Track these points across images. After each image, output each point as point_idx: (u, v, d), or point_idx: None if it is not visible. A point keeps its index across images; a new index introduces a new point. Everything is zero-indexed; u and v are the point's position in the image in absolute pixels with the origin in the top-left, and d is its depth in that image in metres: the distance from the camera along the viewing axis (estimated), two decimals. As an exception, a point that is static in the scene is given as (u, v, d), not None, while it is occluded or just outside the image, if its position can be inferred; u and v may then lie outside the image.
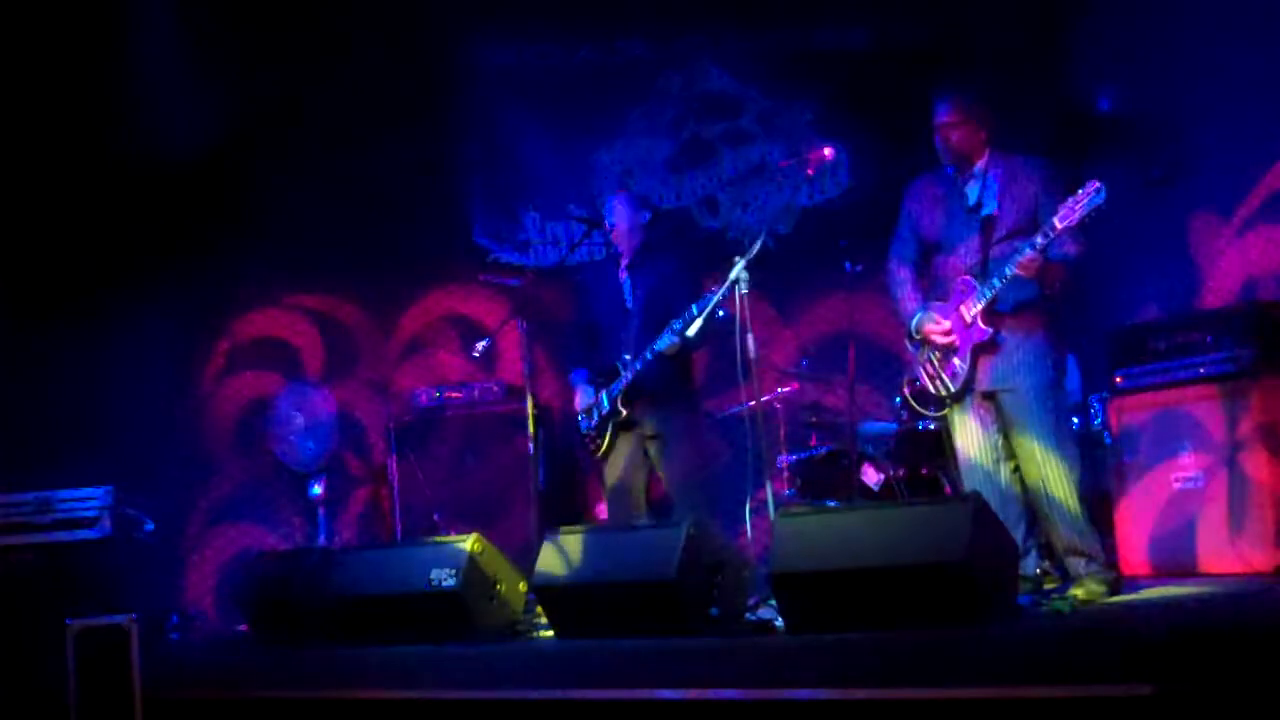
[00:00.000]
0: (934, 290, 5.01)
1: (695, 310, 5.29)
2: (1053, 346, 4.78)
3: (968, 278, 4.82)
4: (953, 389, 4.89)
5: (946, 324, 4.87)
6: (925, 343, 4.97)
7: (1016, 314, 4.77)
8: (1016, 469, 4.85)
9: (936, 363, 4.93)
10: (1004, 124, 5.00)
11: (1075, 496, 4.70)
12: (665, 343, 5.47)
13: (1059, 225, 4.51)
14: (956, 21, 7.63)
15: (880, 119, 7.61)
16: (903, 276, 5.08)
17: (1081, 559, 4.70)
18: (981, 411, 4.86)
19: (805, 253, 7.50)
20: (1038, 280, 4.66)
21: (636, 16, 7.99)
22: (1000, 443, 4.86)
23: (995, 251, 4.78)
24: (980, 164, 4.91)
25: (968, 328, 4.81)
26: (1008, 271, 4.65)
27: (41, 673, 4.64)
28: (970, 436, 4.90)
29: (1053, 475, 4.70)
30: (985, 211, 4.84)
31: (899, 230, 5.12)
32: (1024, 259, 4.60)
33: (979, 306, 4.76)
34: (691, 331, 5.27)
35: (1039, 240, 4.56)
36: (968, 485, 4.92)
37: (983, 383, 4.83)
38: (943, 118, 4.93)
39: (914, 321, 4.98)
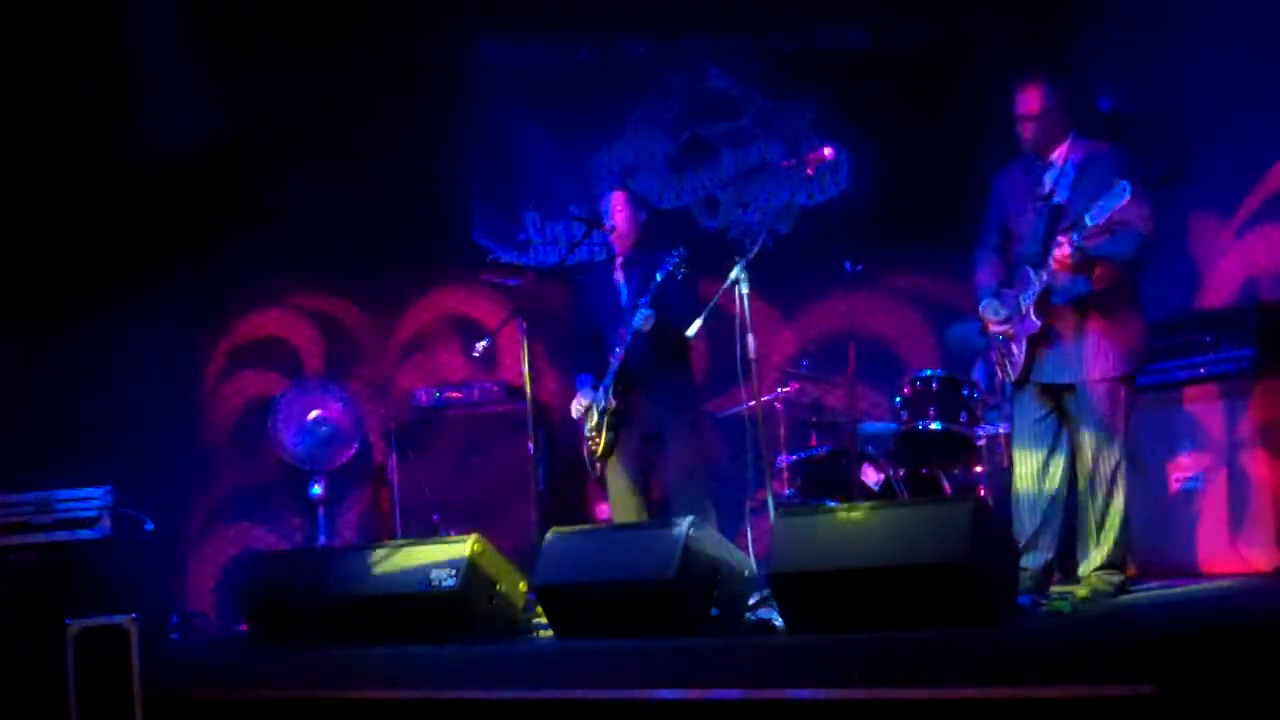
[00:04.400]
0: (1008, 278, 5.00)
1: (658, 278, 5.46)
2: (1110, 342, 4.70)
3: (1027, 268, 4.81)
4: (1014, 376, 4.91)
5: (1004, 312, 4.88)
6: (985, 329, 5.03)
7: (1070, 307, 4.74)
8: (1068, 461, 4.85)
9: (1001, 349, 4.96)
10: (1086, 111, 4.97)
11: (1121, 497, 4.70)
12: (639, 319, 5.50)
13: (1088, 223, 4.47)
14: (957, 21, 7.63)
15: (880, 119, 7.62)
16: (979, 263, 5.09)
17: (1097, 556, 4.70)
18: (1038, 401, 4.87)
19: (805, 253, 7.50)
20: (1083, 274, 4.63)
21: (636, 16, 7.99)
22: (1054, 433, 4.85)
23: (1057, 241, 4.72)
24: (1060, 152, 4.86)
25: (1023, 319, 4.81)
26: (1051, 264, 4.65)
27: (41, 673, 4.63)
28: (1024, 422, 4.92)
29: (1101, 473, 4.70)
30: (1055, 200, 4.79)
31: (986, 215, 5.11)
32: (1057, 252, 4.57)
33: (1032, 297, 4.76)
34: (645, 327, 5.28)
35: (1074, 235, 4.54)
36: (1015, 471, 4.95)
37: (1039, 374, 4.83)
38: (1022, 109, 4.88)
39: (980, 307, 5.01)
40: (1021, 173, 4.99)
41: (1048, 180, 4.86)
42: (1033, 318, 4.77)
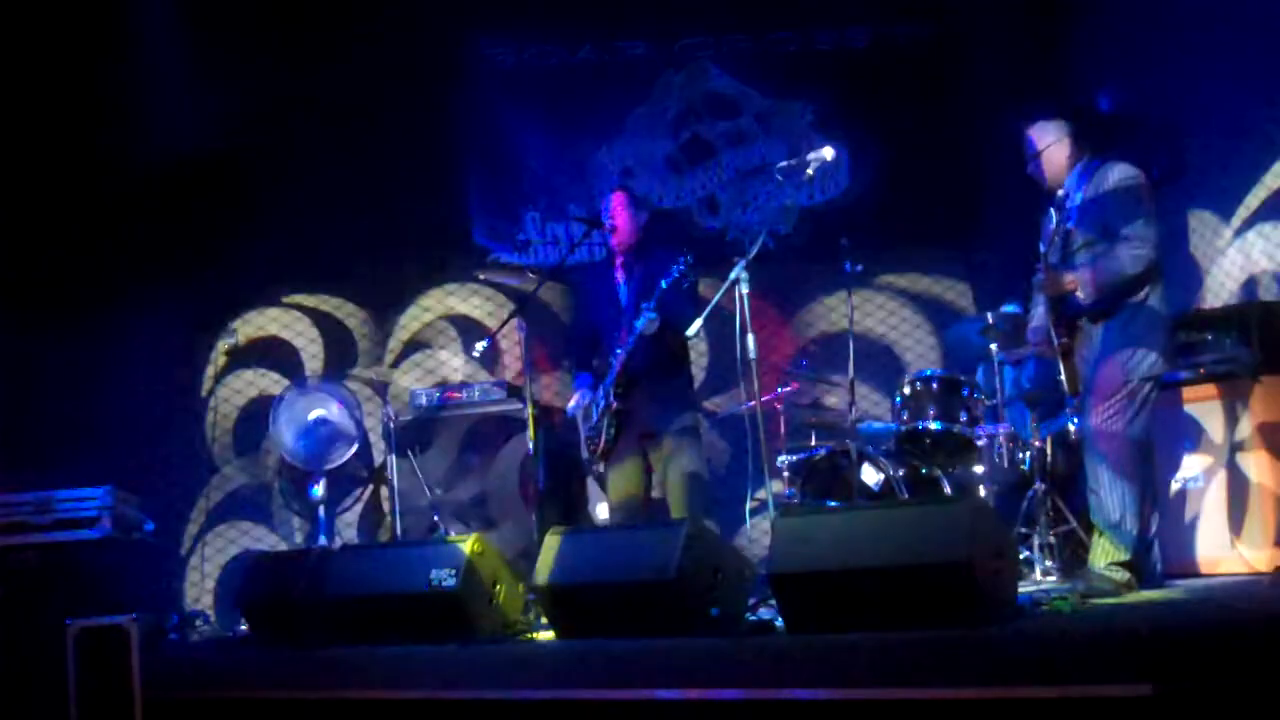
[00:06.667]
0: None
1: (664, 285, 5.44)
2: (1111, 351, 4.79)
3: (1043, 294, 4.98)
4: (1064, 391, 5.02)
5: (1041, 335, 5.05)
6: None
7: (1079, 323, 4.90)
8: None
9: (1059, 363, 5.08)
10: (1094, 130, 5.10)
11: (1116, 493, 4.72)
12: (643, 321, 5.49)
13: (1042, 249, 4.73)
14: (956, 21, 7.64)
15: (880, 119, 7.62)
16: (1035, 291, 5.21)
17: (1100, 551, 4.72)
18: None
19: (805, 253, 7.50)
20: (1066, 294, 4.81)
21: (637, 16, 8.00)
22: None
23: (1068, 266, 4.87)
24: (1070, 178, 4.98)
25: (1053, 342, 4.96)
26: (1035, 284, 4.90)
27: (41, 673, 4.64)
28: (1083, 430, 5.00)
29: (1094, 470, 4.78)
30: (1068, 225, 4.89)
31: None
32: (1038, 279, 4.83)
33: (1048, 320, 4.92)
34: (649, 330, 5.34)
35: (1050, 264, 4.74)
36: None
37: (1084, 382, 4.93)
38: (1027, 151, 5.07)
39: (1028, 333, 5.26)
40: (1050, 201, 5.10)
41: (1067, 205, 4.98)
42: (1054, 339, 4.91)
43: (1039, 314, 5.06)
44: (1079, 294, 4.78)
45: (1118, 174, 4.84)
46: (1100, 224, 4.79)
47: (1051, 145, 4.96)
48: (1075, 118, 5.10)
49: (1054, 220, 4.91)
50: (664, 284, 5.46)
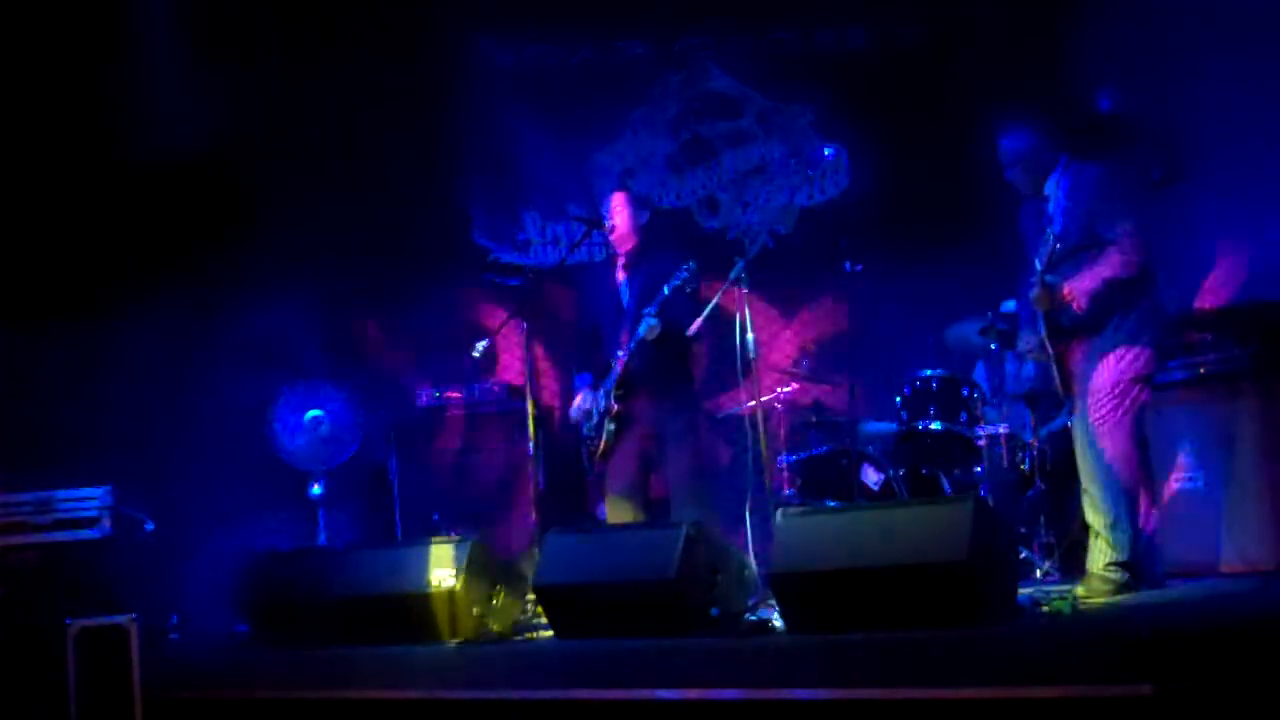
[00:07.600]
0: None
1: (666, 290, 5.41)
2: (1105, 350, 4.76)
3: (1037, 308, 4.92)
4: (1060, 395, 5.01)
5: (1034, 341, 4.98)
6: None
7: (1072, 330, 4.84)
8: None
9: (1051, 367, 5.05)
10: (1074, 132, 5.03)
11: (1110, 494, 4.71)
12: (644, 328, 5.50)
13: (1038, 265, 4.67)
14: (956, 21, 7.64)
15: (880, 119, 7.62)
16: (1020, 289, 5.16)
17: (1098, 552, 4.72)
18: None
19: (805, 253, 7.50)
20: (1062, 306, 4.75)
21: (636, 16, 8.00)
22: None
23: (1056, 272, 4.80)
24: (1051, 181, 4.92)
25: (1042, 349, 4.92)
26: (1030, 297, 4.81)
27: (41, 673, 4.64)
28: (1075, 432, 4.97)
29: (1088, 471, 4.77)
30: (1055, 231, 4.80)
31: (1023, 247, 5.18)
32: (1033, 294, 4.75)
33: (1042, 330, 4.86)
34: (650, 336, 5.29)
35: (1045, 278, 4.70)
36: None
37: (1077, 385, 4.90)
38: (1001, 158, 4.99)
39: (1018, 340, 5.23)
40: (1034, 202, 5.04)
41: (1049, 210, 4.91)
42: (1047, 348, 4.86)
43: (1032, 325, 4.97)
44: (1073, 305, 4.73)
45: (1100, 174, 4.81)
46: (1087, 226, 4.74)
47: (1033, 150, 4.92)
48: (1060, 120, 5.06)
49: (1050, 239, 4.81)
50: (666, 289, 5.44)
